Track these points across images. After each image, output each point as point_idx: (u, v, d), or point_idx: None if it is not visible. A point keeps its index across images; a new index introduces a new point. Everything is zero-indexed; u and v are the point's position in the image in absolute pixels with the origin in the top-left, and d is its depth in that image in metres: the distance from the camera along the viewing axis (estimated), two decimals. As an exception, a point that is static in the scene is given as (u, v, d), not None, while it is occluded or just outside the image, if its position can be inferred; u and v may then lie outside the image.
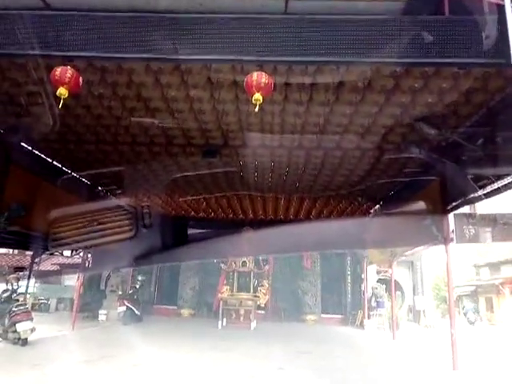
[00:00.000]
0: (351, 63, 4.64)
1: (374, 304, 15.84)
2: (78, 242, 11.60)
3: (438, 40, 4.05)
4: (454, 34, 4.11)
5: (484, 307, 27.32)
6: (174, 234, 15.21)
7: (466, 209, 7.95)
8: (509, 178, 6.30)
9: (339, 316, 17.10)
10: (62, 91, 4.15)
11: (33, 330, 8.74)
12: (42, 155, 8.57)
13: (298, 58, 4.40)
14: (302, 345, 10.32)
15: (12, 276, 11.29)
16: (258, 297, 14.98)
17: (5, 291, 9.28)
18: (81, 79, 4.34)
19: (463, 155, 6.86)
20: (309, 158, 8.39)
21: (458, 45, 4.11)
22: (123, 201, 12.66)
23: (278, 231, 12.34)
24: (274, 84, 4.62)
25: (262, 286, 15.41)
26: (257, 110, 4.50)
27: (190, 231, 16.82)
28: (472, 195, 7.07)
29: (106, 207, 11.77)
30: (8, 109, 6.39)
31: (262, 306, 15.54)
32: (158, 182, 10.16)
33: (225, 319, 14.04)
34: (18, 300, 9.40)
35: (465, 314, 23.68)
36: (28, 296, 17.08)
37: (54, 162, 9.01)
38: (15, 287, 9.60)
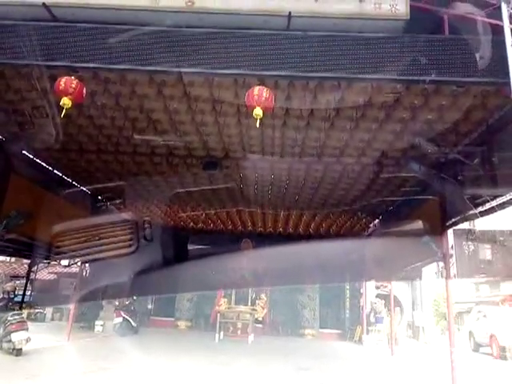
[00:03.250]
0: (352, 80, 4.72)
1: (372, 319, 15.70)
2: (76, 253, 11.57)
3: (437, 58, 4.13)
4: (454, 53, 4.19)
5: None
6: (173, 247, 15.24)
7: (465, 225, 7.96)
8: (506, 196, 6.31)
9: (338, 331, 16.90)
10: (66, 101, 4.21)
11: (28, 340, 8.63)
12: (44, 164, 8.62)
13: (300, 74, 4.48)
14: (300, 360, 10.18)
15: (8, 285, 11.21)
16: (256, 310, 14.87)
17: (0, 300, 9.20)
18: (84, 90, 4.40)
19: (462, 172, 6.90)
20: (309, 172, 8.43)
21: (457, 63, 4.19)
22: (123, 212, 12.67)
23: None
24: (275, 99, 4.68)
25: (260, 299, 15.31)
26: (258, 124, 4.55)
27: (190, 245, 16.84)
28: (470, 212, 7.08)
29: (106, 219, 11.76)
30: (11, 118, 6.45)
31: (260, 319, 15.41)
32: (159, 194, 10.19)
33: (222, 332, 13.90)
34: (13, 309, 9.31)
35: None
36: (24, 305, 16.94)
37: (55, 172, 9.06)
38: (11, 296, 9.51)
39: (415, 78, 4.30)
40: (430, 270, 19.73)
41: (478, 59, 4.18)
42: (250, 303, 14.91)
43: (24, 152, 7.81)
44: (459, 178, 6.96)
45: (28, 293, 18.34)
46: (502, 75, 4.12)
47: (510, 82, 4.09)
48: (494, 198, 6.48)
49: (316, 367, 9.47)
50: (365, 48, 4.25)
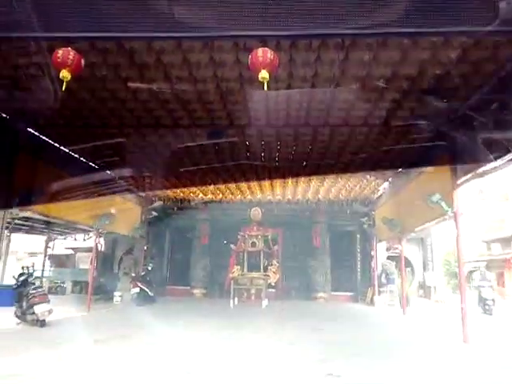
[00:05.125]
0: (356, 36, 4.53)
1: (384, 281, 15.90)
2: (89, 225, 11.82)
3: (445, 7, 3.92)
4: (463, 1, 3.97)
5: (495, 282, 27.33)
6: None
7: (477, 184, 7.85)
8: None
9: (349, 293, 17.24)
10: (65, 74, 4.13)
11: (50, 311, 8.96)
12: (50, 141, 8.62)
13: (302, 32, 4.30)
14: (313, 322, 10.45)
15: (27, 260, 11.53)
16: (269, 276, 15.15)
17: (21, 275, 9.48)
18: (83, 61, 4.31)
19: (474, 128, 6.73)
20: (316, 135, 8.31)
21: (467, 12, 3.97)
22: (133, 186, 12.79)
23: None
24: (279, 60, 4.54)
25: (272, 265, 15.56)
26: (265, 88, 4.41)
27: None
28: (482, 169, 6.96)
29: (115, 192, 11.89)
30: (13, 94, 6.40)
31: (273, 284, 15.74)
32: (165, 166, 10.19)
33: (236, 298, 14.26)
34: (34, 283, 9.61)
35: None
36: (44, 279, 17.55)
37: (63, 148, 9.07)
38: (31, 271, 9.80)
39: (422, 30, 4.11)
40: (442, 230, 19.77)
41: (489, 7, 3.96)
42: (262, 269, 15.16)
43: (29, 129, 7.82)
44: (470, 134, 6.81)
45: (47, 267, 19.00)
46: (513, 23, 3.91)
47: (523, 30, 3.89)
48: (506, 153, 6.34)
49: (330, 328, 9.72)
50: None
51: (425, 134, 7.69)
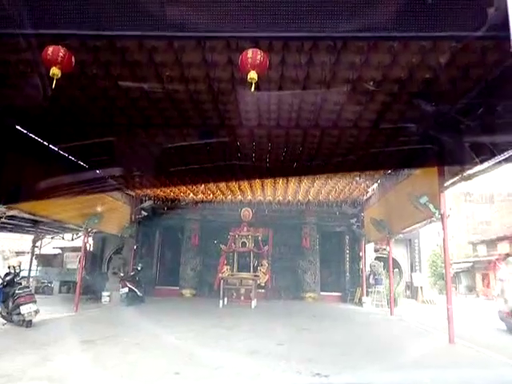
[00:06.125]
0: (348, 39, 4.59)
1: (372, 281, 16.06)
2: (78, 224, 11.69)
3: (435, 12, 3.99)
4: (452, 6, 4.04)
5: (480, 282, 27.84)
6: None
7: (463, 186, 7.99)
8: (506, 153, 6.29)
9: (338, 293, 17.37)
10: (55, 71, 4.09)
11: (37, 311, 8.84)
12: (39, 139, 8.53)
13: (294, 34, 4.34)
14: (302, 321, 10.50)
15: (14, 260, 11.36)
16: (258, 276, 15.18)
17: (7, 274, 9.34)
18: (73, 59, 4.28)
19: (461, 131, 6.86)
20: (306, 137, 8.36)
21: (455, 17, 4.04)
22: (122, 185, 12.70)
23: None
24: (270, 61, 4.57)
25: (262, 265, 15.60)
26: (252, 89, 4.45)
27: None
28: (469, 172, 7.09)
29: (104, 191, 11.78)
30: (1, 91, 6.32)
31: (262, 285, 15.78)
32: (155, 165, 10.14)
33: (226, 298, 14.24)
34: (20, 283, 9.47)
35: None
36: (31, 279, 17.30)
37: (52, 146, 8.98)
38: (17, 270, 9.65)
39: (412, 34, 4.17)
40: (428, 232, 20.06)
41: (477, 12, 4.04)
42: (252, 270, 15.18)
43: (18, 127, 7.72)
44: (457, 138, 6.93)
45: (34, 267, 18.74)
46: (502, 29, 3.99)
47: (510, 36, 3.98)
48: (492, 157, 6.47)
49: (318, 327, 9.79)
50: (360, 4, 4.10)
51: (413, 137, 7.80)
